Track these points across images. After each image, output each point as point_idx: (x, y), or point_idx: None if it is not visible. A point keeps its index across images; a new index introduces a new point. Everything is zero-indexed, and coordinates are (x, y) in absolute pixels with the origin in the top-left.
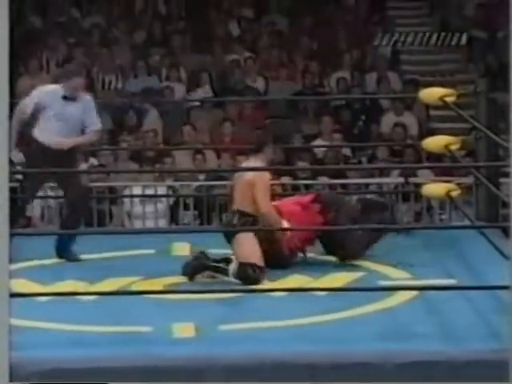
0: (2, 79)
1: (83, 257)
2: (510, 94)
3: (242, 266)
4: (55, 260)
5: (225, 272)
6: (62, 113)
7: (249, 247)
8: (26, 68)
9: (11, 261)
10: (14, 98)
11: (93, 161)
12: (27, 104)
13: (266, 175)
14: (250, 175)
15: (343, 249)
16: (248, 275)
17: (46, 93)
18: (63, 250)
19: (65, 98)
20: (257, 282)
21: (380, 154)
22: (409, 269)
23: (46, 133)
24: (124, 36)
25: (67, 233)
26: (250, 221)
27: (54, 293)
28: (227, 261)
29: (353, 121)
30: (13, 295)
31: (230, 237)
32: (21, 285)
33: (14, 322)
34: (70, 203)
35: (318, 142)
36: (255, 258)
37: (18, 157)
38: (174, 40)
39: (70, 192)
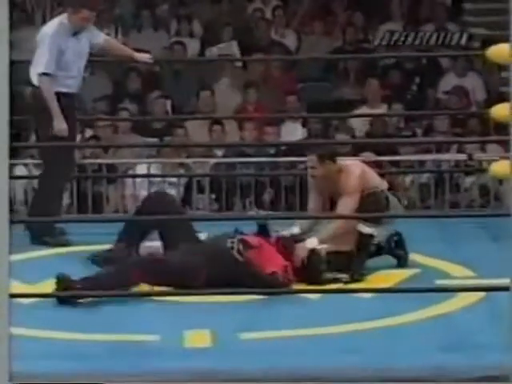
0: (2, 79)
1: (76, 249)
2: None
3: None
4: (43, 252)
5: None
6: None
7: None
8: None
9: None
10: None
11: (88, 132)
12: None
13: None
14: None
15: None
16: None
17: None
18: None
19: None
20: None
21: (438, 125)
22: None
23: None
24: None
25: (62, 221)
26: None
27: (53, 294)
28: None
29: (405, 84)
30: (13, 296)
31: None
32: None
33: None
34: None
35: (363, 110)
36: None
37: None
38: None
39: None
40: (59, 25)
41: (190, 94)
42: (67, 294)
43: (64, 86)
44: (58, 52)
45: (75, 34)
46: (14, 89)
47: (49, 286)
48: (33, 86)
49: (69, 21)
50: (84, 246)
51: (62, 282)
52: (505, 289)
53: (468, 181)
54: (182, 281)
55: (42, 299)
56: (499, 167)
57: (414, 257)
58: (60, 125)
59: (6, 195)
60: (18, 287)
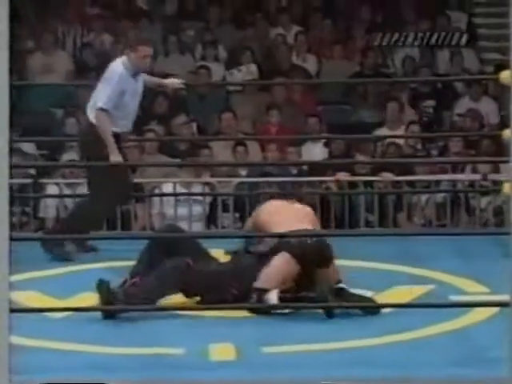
0: (3, 80)
1: (105, 264)
2: (510, 97)
3: None
4: (73, 267)
5: None
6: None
7: None
8: (37, 44)
9: (19, 270)
10: (25, 78)
11: None
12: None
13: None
14: None
15: None
16: None
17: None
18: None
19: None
20: None
21: (452, 146)
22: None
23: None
24: (152, 7)
25: (90, 238)
26: None
27: (60, 308)
28: None
29: (421, 107)
30: (13, 311)
31: None
32: (31, 298)
33: (23, 341)
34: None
35: (382, 132)
36: None
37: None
38: (211, 12)
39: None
40: (125, 66)
41: (214, 116)
42: (72, 309)
43: (118, 125)
44: (120, 92)
45: (135, 75)
46: (45, 111)
47: (78, 300)
48: (85, 117)
49: (129, 61)
50: (113, 262)
51: (104, 293)
52: (505, 305)
53: (483, 200)
54: (214, 293)
55: (72, 313)
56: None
57: (429, 273)
58: (116, 158)
59: (6, 212)
60: (49, 302)
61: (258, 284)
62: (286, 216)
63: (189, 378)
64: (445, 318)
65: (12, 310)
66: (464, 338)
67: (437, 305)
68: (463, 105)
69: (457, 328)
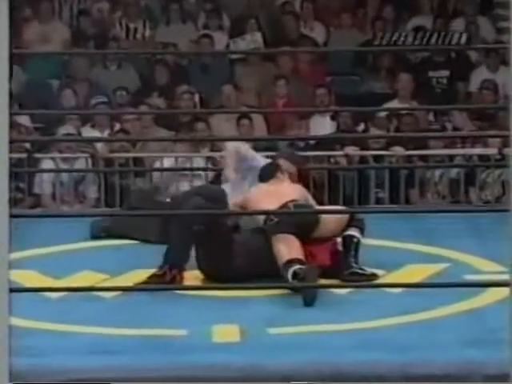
0: (2, 74)
1: (102, 243)
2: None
3: None
4: (70, 246)
5: None
6: None
7: None
8: (34, 12)
9: (15, 248)
10: (21, 47)
11: (117, 126)
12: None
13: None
14: None
15: None
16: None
17: None
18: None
19: None
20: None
21: (457, 119)
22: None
23: None
24: None
25: (90, 215)
26: None
27: (62, 288)
28: None
29: (435, 78)
30: (13, 290)
31: None
32: (28, 277)
33: (23, 323)
34: None
35: (394, 104)
36: None
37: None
38: None
39: None
40: None
41: (218, 87)
42: (68, 288)
43: None
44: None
45: None
46: (42, 82)
47: (76, 280)
48: None
49: None
50: (112, 240)
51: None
52: (505, 285)
53: (495, 175)
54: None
55: (70, 293)
56: None
57: (443, 252)
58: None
59: (5, 189)
60: (46, 281)
61: (283, 259)
62: (273, 201)
63: (192, 361)
64: (459, 298)
65: (12, 290)
66: (477, 319)
67: (438, 285)
68: (479, 75)
69: (470, 308)
